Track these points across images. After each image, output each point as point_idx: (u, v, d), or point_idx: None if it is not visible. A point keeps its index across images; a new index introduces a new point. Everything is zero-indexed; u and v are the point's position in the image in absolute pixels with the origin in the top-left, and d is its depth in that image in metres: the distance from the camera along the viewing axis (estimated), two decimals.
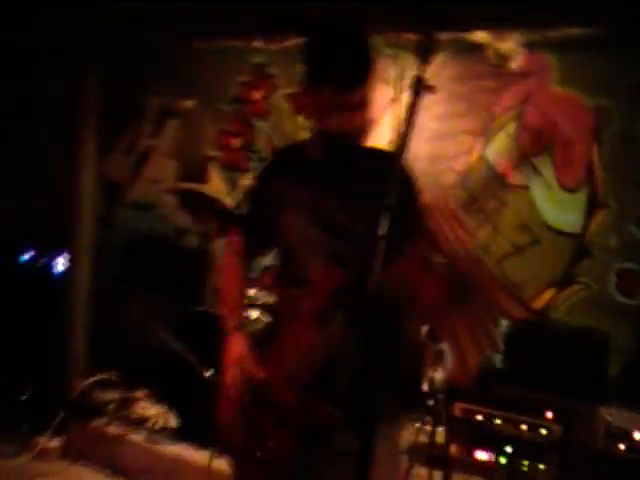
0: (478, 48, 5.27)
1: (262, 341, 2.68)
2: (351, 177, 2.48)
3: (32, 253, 6.23)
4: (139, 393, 5.83)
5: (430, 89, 1.98)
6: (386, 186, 2.08)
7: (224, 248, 3.02)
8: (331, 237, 2.45)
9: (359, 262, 2.24)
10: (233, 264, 2.86)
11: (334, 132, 2.41)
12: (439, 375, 3.99)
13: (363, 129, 2.41)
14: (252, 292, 5.65)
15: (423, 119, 5.42)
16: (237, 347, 2.62)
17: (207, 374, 4.83)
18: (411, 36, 5.06)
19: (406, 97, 1.99)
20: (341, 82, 2.36)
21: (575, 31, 4.85)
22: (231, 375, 2.58)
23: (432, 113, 5.49)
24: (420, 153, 5.48)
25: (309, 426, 2.34)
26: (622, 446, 3.88)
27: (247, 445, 2.51)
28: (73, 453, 5.45)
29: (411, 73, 1.98)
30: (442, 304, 2.41)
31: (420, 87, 1.95)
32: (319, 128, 2.48)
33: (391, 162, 2.26)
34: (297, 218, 2.52)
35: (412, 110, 1.96)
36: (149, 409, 5.53)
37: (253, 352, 2.60)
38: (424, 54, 1.98)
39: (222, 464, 4.28)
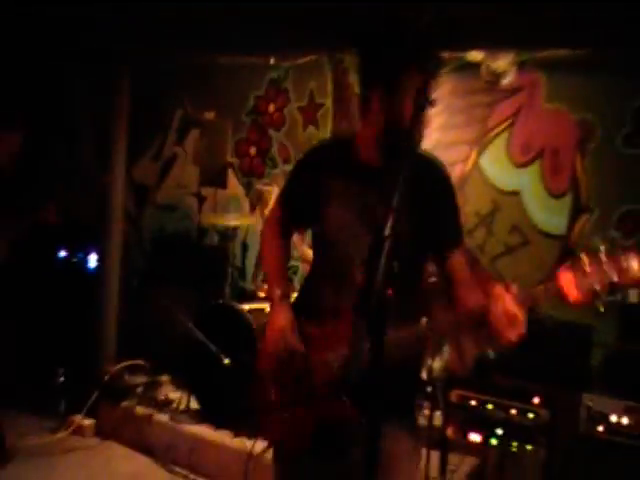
0: (473, 66, 5.27)
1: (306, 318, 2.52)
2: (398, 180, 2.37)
3: (68, 250, 6.25)
4: (164, 378, 5.85)
5: (431, 103, 1.98)
6: (427, 194, 2.07)
7: (265, 221, 2.86)
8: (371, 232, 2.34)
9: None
10: (274, 235, 2.70)
11: (385, 135, 2.32)
12: (437, 364, 3.98)
13: (413, 131, 2.20)
14: (267, 286, 5.66)
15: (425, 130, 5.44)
16: (281, 317, 2.49)
17: (225, 362, 4.84)
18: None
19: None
20: (388, 85, 2.28)
21: (562, 52, 4.85)
22: (273, 343, 2.46)
23: (432, 124, 5.48)
24: None
25: (327, 418, 2.28)
26: (601, 428, 3.89)
27: (277, 401, 2.43)
28: (105, 431, 5.46)
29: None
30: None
31: (423, 100, 1.95)
32: (370, 132, 2.36)
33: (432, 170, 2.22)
34: (340, 210, 2.39)
35: (415, 121, 1.95)
36: (173, 392, 5.54)
37: (295, 327, 2.46)
38: (429, 71, 1.97)
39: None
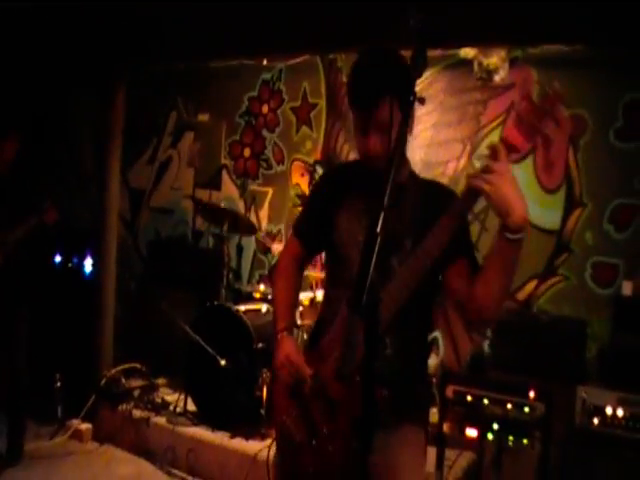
0: (466, 63, 5.32)
1: (312, 339, 2.65)
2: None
3: (64, 255, 6.28)
4: (161, 380, 5.89)
5: (420, 100, 2.00)
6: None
7: (281, 256, 2.94)
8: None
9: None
10: (287, 270, 2.79)
11: (366, 154, 2.40)
12: (433, 360, 4.03)
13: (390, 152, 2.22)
14: (262, 287, 5.72)
15: (418, 128, 5.49)
16: (286, 347, 2.56)
17: (222, 363, 4.88)
18: (406, 53, 5.08)
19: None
20: (353, 100, 2.38)
21: (554, 48, 4.89)
22: (282, 373, 2.54)
23: (425, 122, 5.54)
24: (415, 159, 5.52)
25: (361, 411, 2.29)
26: (596, 420, 3.93)
27: (303, 436, 2.47)
28: (103, 434, 5.49)
29: None
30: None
31: (411, 98, 1.97)
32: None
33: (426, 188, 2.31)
34: (348, 221, 2.49)
35: (405, 119, 1.98)
36: (170, 395, 5.58)
37: (299, 351, 2.56)
38: (415, 68, 2.00)
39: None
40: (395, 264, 2.32)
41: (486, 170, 2.04)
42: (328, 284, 2.70)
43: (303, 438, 2.48)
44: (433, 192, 2.48)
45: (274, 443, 2.73)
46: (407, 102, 1.98)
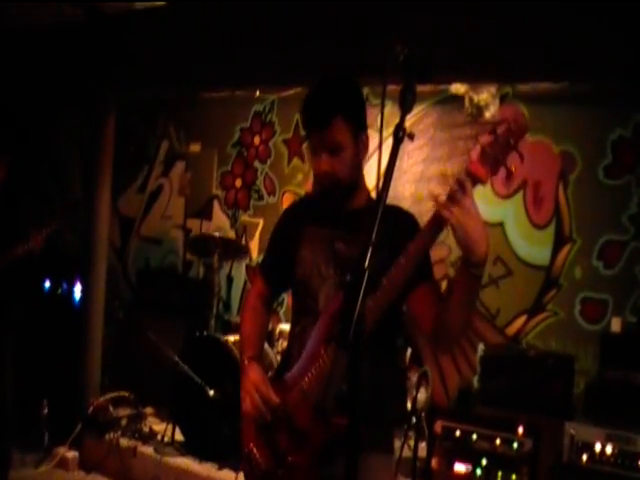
0: (456, 99, 5.35)
1: (280, 368, 2.65)
2: (351, 218, 2.44)
3: (52, 281, 6.26)
4: (149, 410, 5.86)
5: (409, 136, 2.01)
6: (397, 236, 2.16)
7: (248, 292, 2.98)
8: (338, 271, 2.43)
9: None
10: (254, 306, 2.81)
11: (317, 175, 2.45)
12: (422, 395, 4.01)
13: (342, 173, 2.38)
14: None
15: (408, 163, 5.54)
16: (252, 376, 2.54)
17: (210, 394, 4.86)
18: (396, 87, 5.11)
19: (389, 144, 2.02)
20: (306, 122, 2.44)
21: (543, 86, 4.94)
22: (249, 401, 2.51)
23: (416, 157, 5.57)
24: (406, 194, 5.56)
25: (326, 440, 2.30)
26: (585, 457, 3.92)
27: (269, 465, 2.47)
28: (89, 463, 5.45)
29: (395, 121, 2.00)
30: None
31: (400, 134, 1.97)
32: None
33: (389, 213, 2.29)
34: (311, 253, 2.50)
35: (393, 154, 1.98)
36: (158, 424, 5.54)
37: (266, 380, 2.53)
38: (404, 104, 2.01)
39: None
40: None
41: (452, 199, 2.01)
42: (294, 316, 2.69)
43: (269, 467, 2.47)
44: (394, 218, 2.41)
45: (242, 473, 2.71)
46: (396, 137, 1.98)
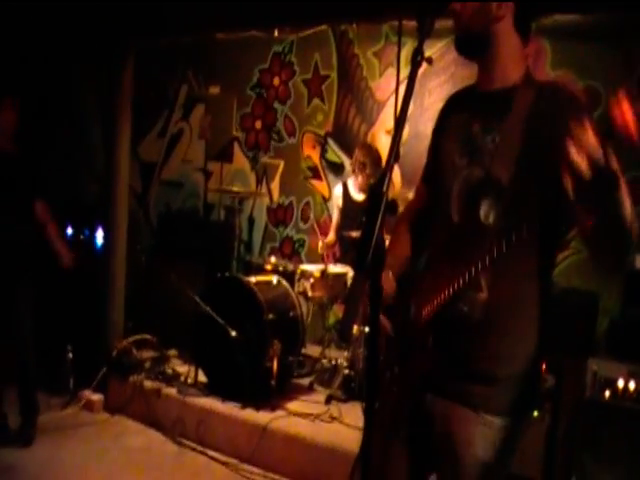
0: None
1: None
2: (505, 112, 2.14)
3: (74, 227, 6.27)
4: (172, 352, 5.90)
5: (427, 60, 1.94)
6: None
7: (407, 204, 2.69)
8: (472, 161, 2.18)
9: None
10: (402, 231, 2.55)
11: None
12: None
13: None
14: (273, 259, 5.70)
15: (429, 100, 5.44)
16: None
17: (232, 334, 4.86)
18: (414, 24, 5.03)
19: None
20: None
21: (565, 18, 4.82)
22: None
23: (437, 95, 5.48)
24: (427, 132, 5.45)
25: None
26: (607, 393, 3.89)
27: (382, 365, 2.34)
28: (114, 405, 5.50)
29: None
30: None
31: (419, 58, 1.91)
32: None
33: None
34: (447, 141, 2.31)
35: (411, 79, 1.91)
36: (181, 366, 5.58)
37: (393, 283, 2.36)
38: (422, 28, 1.94)
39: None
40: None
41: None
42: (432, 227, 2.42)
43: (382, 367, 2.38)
44: (551, 96, 2.11)
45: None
46: (415, 62, 1.90)
